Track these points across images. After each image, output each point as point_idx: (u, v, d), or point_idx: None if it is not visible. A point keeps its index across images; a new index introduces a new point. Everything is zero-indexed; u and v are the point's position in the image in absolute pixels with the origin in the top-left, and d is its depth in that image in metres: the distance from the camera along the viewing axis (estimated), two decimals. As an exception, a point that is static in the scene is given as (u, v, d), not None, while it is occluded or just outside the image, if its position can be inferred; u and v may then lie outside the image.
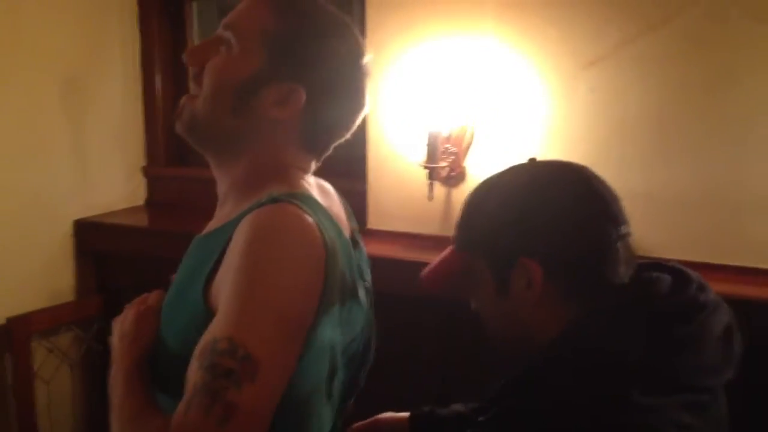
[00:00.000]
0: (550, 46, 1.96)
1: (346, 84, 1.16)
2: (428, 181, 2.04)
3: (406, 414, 1.50)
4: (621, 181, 1.85)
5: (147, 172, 2.73)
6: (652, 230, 1.87)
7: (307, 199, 1.11)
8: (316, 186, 1.25)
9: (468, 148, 2.06)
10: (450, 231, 1.91)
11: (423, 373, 2.07)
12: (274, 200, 1.06)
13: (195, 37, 2.73)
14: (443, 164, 2.04)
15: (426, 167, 2.02)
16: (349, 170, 2.22)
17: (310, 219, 1.04)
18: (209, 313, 1.02)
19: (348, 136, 1.22)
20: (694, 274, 1.16)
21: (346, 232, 1.21)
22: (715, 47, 1.80)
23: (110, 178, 2.61)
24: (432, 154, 2.01)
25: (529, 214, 1.12)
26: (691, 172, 1.85)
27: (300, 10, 1.14)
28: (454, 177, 2.08)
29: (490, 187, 1.21)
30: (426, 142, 2.01)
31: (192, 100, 1.16)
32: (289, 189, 1.12)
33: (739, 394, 1.17)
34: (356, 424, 1.48)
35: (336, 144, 1.22)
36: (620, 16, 1.87)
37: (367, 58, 1.19)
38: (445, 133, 2.04)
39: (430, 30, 2.08)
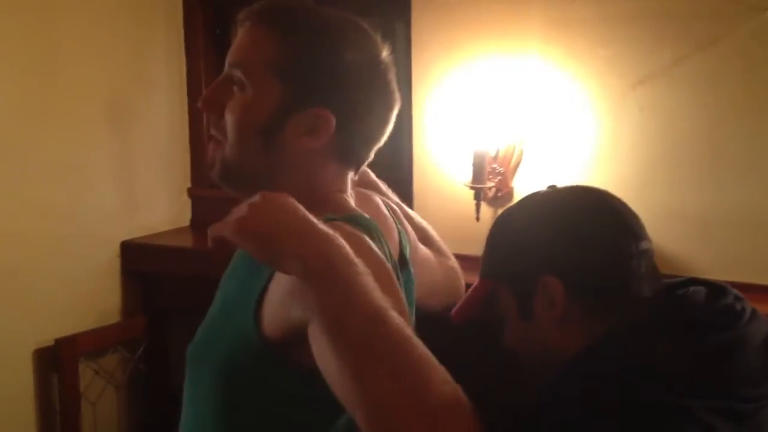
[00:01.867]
0: (598, 65, 1.94)
1: (373, 90, 1.09)
2: (475, 202, 2.01)
3: None
4: (671, 202, 1.86)
5: (192, 193, 2.74)
6: (702, 251, 1.86)
7: (362, 219, 1.08)
8: (360, 201, 1.21)
9: (516, 168, 2.05)
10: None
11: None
12: (330, 220, 1.01)
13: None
14: (490, 184, 2.02)
15: (472, 188, 2.00)
16: (395, 190, 2.20)
17: (368, 240, 1.01)
18: (261, 337, 1.00)
19: (386, 137, 1.15)
20: (729, 287, 1.14)
21: (395, 252, 1.18)
22: (766, 67, 1.76)
23: (156, 199, 2.63)
24: (478, 174, 1.99)
25: (547, 233, 1.14)
26: (742, 193, 1.82)
27: (304, 28, 1.07)
28: (502, 197, 2.06)
29: (509, 213, 1.25)
30: (472, 162, 1.99)
31: (219, 146, 1.10)
32: (345, 212, 1.08)
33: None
34: None
35: (376, 149, 1.16)
36: (670, 36, 1.86)
37: (386, 54, 1.12)
38: (492, 153, 2.02)
39: (476, 50, 2.07)
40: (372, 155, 1.16)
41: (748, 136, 1.80)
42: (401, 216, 1.34)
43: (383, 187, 1.45)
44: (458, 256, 2.09)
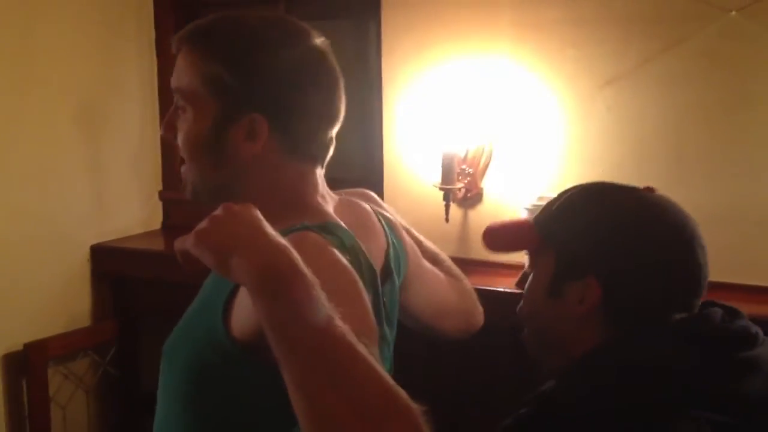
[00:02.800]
0: (567, 66, 1.95)
1: (303, 83, 1.11)
2: (444, 203, 2.02)
3: None
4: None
5: (163, 196, 2.73)
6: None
7: (335, 228, 1.09)
8: (343, 206, 1.22)
9: (485, 169, 2.05)
10: (467, 253, 1.91)
11: (440, 400, 2.04)
12: (305, 228, 1.04)
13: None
14: (459, 185, 2.03)
15: (442, 188, 2.00)
16: (365, 193, 2.21)
17: (332, 249, 1.01)
18: (229, 337, 1.01)
19: (338, 124, 1.16)
20: (742, 311, 1.14)
21: (379, 261, 1.19)
22: (733, 66, 1.79)
23: (127, 202, 2.62)
24: (447, 176, 1.99)
25: (618, 237, 1.10)
26: (709, 192, 1.83)
27: (224, 42, 1.11)
28: (471, 198, 2.06)
29: (599, 194, 1.18)
30: (441, 163, 2.00)
31: (185, 167, 1.16)
32: (319, 219, 1.09)
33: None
34: None
35: (331, 136, 1.17)
36: (637, 37, 1.87)
37: (317, 41, 1.14)
38: (461, 154, 2.02)
39: (446, 51, 2.08)
40: (329, 144, 1.17)
41: (715, 136, 1.81)
42: (399, 229, 1.34)
43: (390, 209, 1.44)
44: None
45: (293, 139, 1.12)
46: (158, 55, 2.67)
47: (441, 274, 1.45)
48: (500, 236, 1.25)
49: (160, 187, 2.73)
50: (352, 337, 0.83)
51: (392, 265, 1.24)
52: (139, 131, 2.64)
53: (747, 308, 1.67)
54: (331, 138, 1.17)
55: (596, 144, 1.93)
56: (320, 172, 1.18)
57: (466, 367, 2.00)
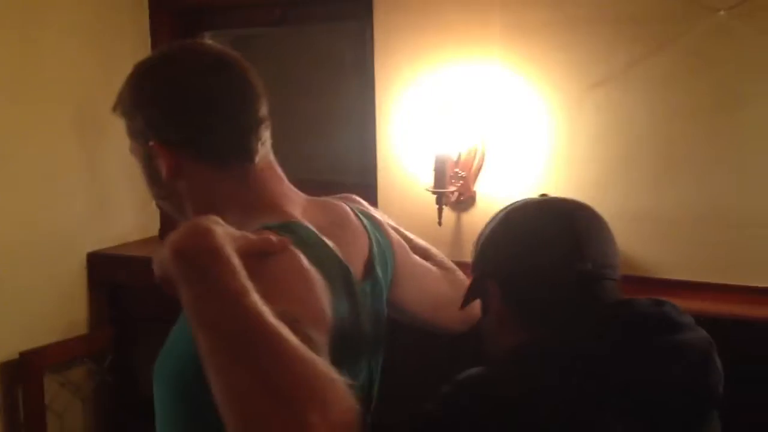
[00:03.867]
0: (556, 68, 1.95)
1: (181, 98, 1.18)
2: (437, 206, 2.03)
3: None
4: (628, 201, 1.89)
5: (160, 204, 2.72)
6: (659, 251, 1.88)
7: (296, 226, 1.11)
8: (315, 208, 1.24)
9: (477, 172, 2.06)
10: (460, 256, 1.92)
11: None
12: (265, 227, 1.07)
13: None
14: (452, 189, 2.03)
15: (434, 192, 2.01)
16: (360, 196, 2.21)
17: (301, 259, 1.04)
18: None
19: (251, 118, 1.18)
20: (668, 301, 1.17)
21: (358, 263, 1.21)
22: (722, 66, 1.79)
23: (123, 209, 2.62)
24: (440, 179, 2.00)
25: (502, 241, 1.24)
26: (698, 192, 1.84)
27: (125, 92, 1.25)
28: (464, 202, 2.07)
29: (493, 217, 1.31)
30: (434, 166, 2.00)
31: None
32: (281, 219, 1.12)
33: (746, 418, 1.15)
34: None
35: (254, 136, 1.18)
36: (626, 38, 1.87)
37: (213, 57, 1.20)
38: (454, 158, 2.03)
39: (437, 55, 2.09)
40: (260, 136, 1.19)
41: (704, 136, 1.81)
42: (385, 227, 1.37)
43: (375, 211, 1.47)
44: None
45: (195, 147, 1.18)
46: (152, 37, 2.66)
47: (433, 268, 1.49)
48: (463, 300, 1.34)
49: (156, 194, 2.72)
50: (270, 316, 0.84)
51: (376, 262, 1.26)
52: (134, 138, 2.63)
53: (736, 309, 1.70)
54: (249, 130, 1.19)
55: (586, 145, 1.94)
56: (272, 170, 1.22)
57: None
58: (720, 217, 1.81)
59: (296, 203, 1.21)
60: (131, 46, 2.60)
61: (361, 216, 1.31)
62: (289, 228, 1.09)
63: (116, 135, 2.50)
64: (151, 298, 2.49)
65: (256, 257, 0.96)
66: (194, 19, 2.70)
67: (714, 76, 1.80)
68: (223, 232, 0.94)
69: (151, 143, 1.17)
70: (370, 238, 1.28)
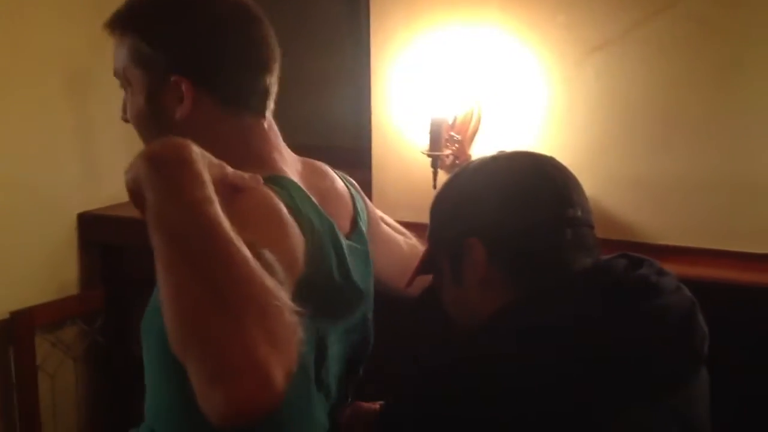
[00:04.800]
0: (556, 32, 1.93)
1: (217, 36, 1.15)
2: (432, 170, 2.01)
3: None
4: (625, 168, 1.88)
5: (150, 164, 2.70)
6: (656, 216, 1.88)
7: (280, 180, 1.12)
8: (299, 163, 1.26)
9: (473, 135, 2.04)
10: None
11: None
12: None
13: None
14: (447, 152, 2.02)
15: (429, 155, 2.00)
16: (354, 159, 2.20)
17: (274, 198, 1.05)
18: None
19: (271, 70, 1.20)
20: (653, 261, 1.16)
21: (345, 226, 1.23)
22: (724, 32, 1.77)
23: (115, 170, 2.58)
24: (435, 142, 1.98)
25: (476, 198, 1.18)
26: (696, 159, 1.83)
27: (137, 13, 1.19)
28: (459, 165, 2.05)
29: (451, 179, 1.28)
30: (429, 129, 1.99)
31: None
32: (268, 171, 1.13)
33: (742, 381, 1.16)
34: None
35: (266, 84, 1.20)
36: (626, 1, 1.85)
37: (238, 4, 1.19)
38: (449, 121, 2.02)
39: (435, 18, 2.06)
40: (264, 91, 1.21)
41: (703, 102, 1.80)
42: (362, 192, 1.42)
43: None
44: (415, 225, 2.09)
45: (222, 92, 1.17)
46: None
47: (400, 237, 1.54)
48: (412, 275, 1.33)
49: (148, 155, 2.70)
50: (228, 228, 0.85)
51: (359, 219, 1.31)
52: (126, 99, 2.60)
53: (735, 275, 1.71)
54: (268, 85, 1.21)
55: (584, 110, 1.92)
56: (271, 128, 1.23)
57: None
58: (717, 184, 1.81)
59: (288, 162, 1.22)
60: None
61: (342, 177, 1.36)
62: (276, 180, 1.10)
63: (108, 93, 2.47)
64: (142, 259, 2.46)
65: (229, 189, 0.98)
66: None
67: (715, 42, 1.79)
68: (201, 153, 0.95)
69: (173, 78, 1.14)
70: (352, 197, 1.33)
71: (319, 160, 1.38)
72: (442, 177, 2.05)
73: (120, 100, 2.50)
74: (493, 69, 2.01)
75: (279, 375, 0.77)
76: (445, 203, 1.25)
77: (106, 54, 2.44)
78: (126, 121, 1.24)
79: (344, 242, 1.18)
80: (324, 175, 1.31)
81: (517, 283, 1.14)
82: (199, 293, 0.80)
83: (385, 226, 1.51)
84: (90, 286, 2.51)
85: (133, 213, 2.49)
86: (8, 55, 2.20)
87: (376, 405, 1.42)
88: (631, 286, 1.09)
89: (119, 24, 1.20)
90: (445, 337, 1.20)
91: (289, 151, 1.26)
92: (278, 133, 1.25)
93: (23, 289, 2.31)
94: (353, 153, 2.28)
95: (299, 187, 1.14)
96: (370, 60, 2.17)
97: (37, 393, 2.32)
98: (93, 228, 2.48)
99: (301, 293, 1.01)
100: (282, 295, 0.84)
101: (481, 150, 2.04)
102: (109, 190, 2.55)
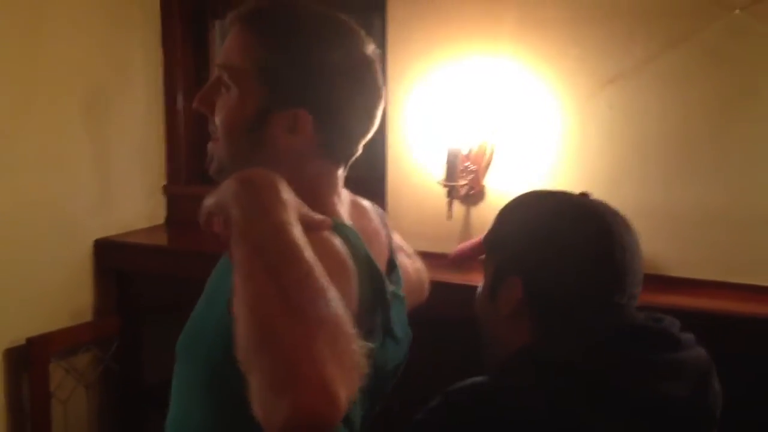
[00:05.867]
0: (569, 64, 1.95)
1: (353, 87, 1.12)
2: (447, 200, 2.02)
3: None
4: (640, 198, 1.88)
5: (167, 190, 2.73)
6: (669, 248, 1.87)
7: (343, 228, 1.10)
8: (349, 204, 1.24)
9: (488, 166, 2.05)
10: (469, 251, 1.89)
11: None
12: None
13: (218, 55, 2.74)
14: (462, 182, 2.03)
15: (445, 185, 2.01)
16: (369, 189, 2.20)
17: (340, 247, 1.05)
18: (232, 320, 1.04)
19: (373, 131, 1.19)
20: (670, 317, 1.16)
21: (383, 262, 1.21)
22: (736, 64, 1.78)
23: (131, 196, 2.62)
24: (451, 172, 2.00)
25: (534, 238, 1.19)
26: (710, 190, 1.83)
27: (283, 30, 1.11)
28: (474, 195, 2.06)
29: (528, 201, 1.27)
30: (445, 159, 2.00)
31: (215, 143, 1.17)
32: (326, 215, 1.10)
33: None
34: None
35: (363, 143, 1.19)
36: (641, 34, 1.86)
37: (370, 49, 1.15)
38: (464, 151, 2.03)
39: (451, 50, 2.08)
40: (359, 149, 1.20)
41: (717, 135, 1.81)
42: (389, 224, 1.38)
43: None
44: (430, 254, 2.09)
45: (331, 140, 1.14)
46: (164, 49, 2.66)
47: (408, 261, 1.52)
48: (460, 254, 1.41)
49: (165, 182, 2.73)
50: (310, 251, 0.88)
51: (395, 261, 1.28)
52: (144, 124, 2.64)
53: (746, 308, 1.69)
54: (362, 147, 1.19)
55: (598, 142, 1.93)
56: (341, 173, 1.20)
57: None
58: (731, 216, 1.81)
59: (344, 203, 1.21)
60: (140, 30, 2.60)
61: (374, 208, 1.33)
62: (340, 229, 1.09)
63: (125, 120, 2.54)
64: (157, 286, 2.51)
65: (303, 226, 0.98)
66: (204, 8, 2.70)
67: (728, 74, 1.79)
68: (287, 187, 0.98)
69: (299, 110, 1.09)
70: (387, 234, 1.30)
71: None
72: (458, 207, 2.06)
73: (137, 127, 2.57)
74: (507, 100, 2.02)
75: (343, 395, 0.78)
76: (508, 226, 1.25)
77: (124, 80, 2.52)
78: (201, 110, 1.17)
79: (388, 289, 1.16)
80: (366, 214, 1.29)
81: (541, 328, 1.16)
82: (277, 304, 0.82)
83: (401, 256, 1.48)
84: (105, 312, 2.52)
85: (149, 240, 2.53)
86: (27, 79, 2.23)
87: None
88: (653, 336, 1.09)
89: (260, 28, 1.11)
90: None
91: (344, 190, 1.24)
92: (342, 177, 1.23)
93: (39, 315, 2.31)
94: (367, 182, 2.29)
95: (358, 236, 1.12)
96: (386, 88, 2.18)
97: (50, 420, 2.32)
98: (109, 254, 2.49)
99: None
100: (350, 322, 0.86)
101: (495, 180, 2.05)
102: (125, 217, 2.58)
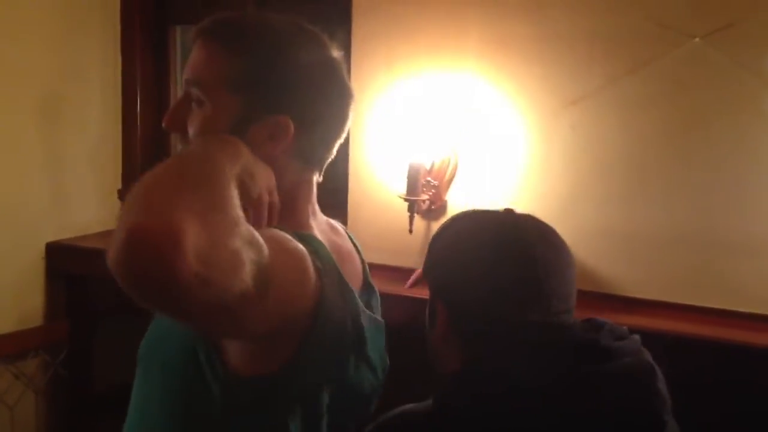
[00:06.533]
0: (532, 83, 1.97)
1: (327, 91, 1.11)
2: (408, 214, 2.02)
3: None
4: (599, 218, 1.91)
5: (122, 195, 2.69)
6: (628, 269, 1.90)
7: (311, 239, 1.09)
8: (325, 223, 1.24)
9: (450, 181, 2.06)
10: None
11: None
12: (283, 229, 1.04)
13: (178, 60, 2.71)
14: (424, 197, 2.03)
15: (406, 200, 2.01)
16: (329, 201, 2.20)
17: (299, 245, 1.02)
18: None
19: (345, 133, 1.18)
20: (610, 323, 1.16)
21: (357, 284, 1.20)
22: (695, 90, 1.82)
23: (85, 200, 2.57)
24: (412, 187, 2.00)
25: (451, 261, 1.20)
26: (669, 212, 1.86)
27: (251, 39, 1.08)
28: (435, 210, 2.07)
29: (451, 225, 1.27)
30: (407, 174, 2.00)
31: None
32: (294, 229, 1.08)
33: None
34: None
35: (337, 146, 1.18)
36: (601, 57, 1.89)
37: (336, 52, 1.15)
38: (427, 166, 2.03)
39: (414, 65, 2.09)
40: (334, 153, 1.19)
41: (676, 157, 1.84)
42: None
43: None
44: (390, 268, 2.10)
45: (310, 145, 1.12)
46: (123, 53, 2.63)
47: None
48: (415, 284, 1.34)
49: (120, 186, 2.69)
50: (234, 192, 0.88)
51: (369, 280, 1.27)
52: (99, 128, 2.60)
53: (704, 330, 1.72)
54: (336, 147, 1.18)
55: (559, 161, 1.95)
56: (317, 179, 1.19)
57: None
58: (687, 238, 1.84)
59: (318, 218, 1.20)
60: (99, 33, 2.57)
61: (350, 235, 1.32)
62: (306, 239, 1.07)
63: (80, 123, 2.51)
64: (109, 291, 2.44)
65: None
66: (164, 13, 2.67)
67: (686, 100, 1.83)
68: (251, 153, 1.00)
69: (279, 117, 1.07)
70: (359, 255, 1.29)
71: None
72: (419, 221, 2.07)
73: (92, 131, 2.52)
74: (470, 116, 2.04)
75: (189, 244, 0.76)
76: (435, 254, 1.25)
77: (80, 82, 2.48)
78: (172, 130, 1.13)
79: (363, 311, 1.14)
80: (339, 233, 1.27)
81: (470, 349, 1.16)
82: (170, 178, 0.84)
83: None
84: (55, 317, 2.48)
85: (101, 245, 2.49)
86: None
87: None
88: (584, 349, 1.08)
89: (228, 38, 1.08)
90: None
91: (316, 206, 1.22)
92: (315, 190, 1.21)
93: (-14, 318, 2.26)
94: (328, 194, 2.28)
95: (328, 252, 1.10)
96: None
97: (-4, 425, 2.28)
98: (61, 258, 2.45)
99: (306, 352, 1.02)
100: (247, 230, 0.85)
101: (457, 196, 2.06)
102: (78, 221, 2.54)
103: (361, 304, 1.14)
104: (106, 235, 2.60)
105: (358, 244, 1.31)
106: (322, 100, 1.11)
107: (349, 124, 1.17)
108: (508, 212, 1.25)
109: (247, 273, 0.83)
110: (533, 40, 1.96)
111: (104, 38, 2.58)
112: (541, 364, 1.06)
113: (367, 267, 1.29)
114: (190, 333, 1.04)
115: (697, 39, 1.79)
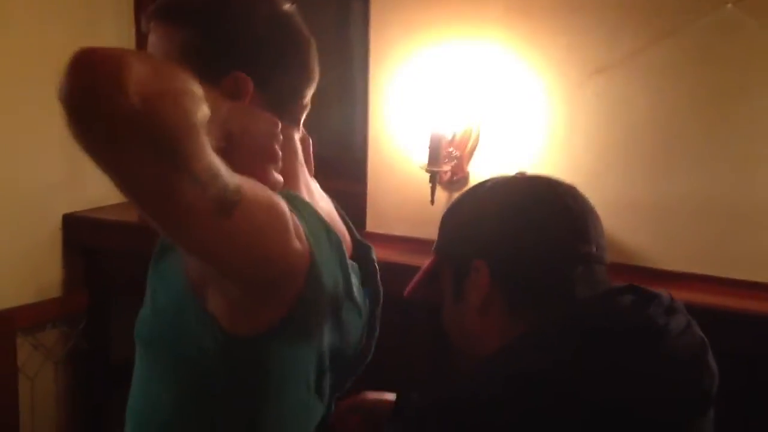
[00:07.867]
0: (557, 53, 1.93)
1: (278, 38, 1.11)
2: (430, 185, 2.00)
3: (392, 395, 1.42)
4: (624, 190, 1.87)
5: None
6: (654, 241, 1.87)
7: (294, 199, 1.07)
8: (318, 190, 1.23)
9: (472, 152, 2.03)
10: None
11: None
12: None
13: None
14: (446, 168, 2.00)
15: (428, 170, 1.98)
16: (349, 172, 2.18)
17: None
18: (187, 281, 1.04)
19: (315, 82, 1.17)
20: (664, 296, 1.10)
21: (344, 236, 1.19)
22: (725, 60, 1.78)
23: (100, 172, 2.55)
24: (434, 158, 1.97)
25: (488, 219, 1.14)
26: (695, 183, 1.82)
27: (191, 10, 1.10)
28: (457, 181, 2.04)
29: (465, 194, 1.25)
30: (428, 144, 1.97)
31: None
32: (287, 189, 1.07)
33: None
34: (341, 403, 1.38)
35: (309, 96, 1.17)
36: (630, 26, 1.85)
37: (285, 4, 1.14)
38: (448, 137, 2.00)
39: (436, 34, 2.05)
40: (307, 104, 1.17)
41: (703, 128, 1.81)
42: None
43: None
44: (411, 239, 2.08)
45: (277, 97, 1.11)
46: (137, 30, 2.59)
47: None
48: (415, 287, 1.28)
49: (136, 157, 2.67)
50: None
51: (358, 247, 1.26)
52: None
53: (730, 302, 1.69)
54: (308, 97, 1.17)
55: (584, 131, 1.92)
56: (305, 140, 1.19)
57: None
58: (715, 209, 1.81)
59: (309, 181, 1.19)
60: (113, 13, 2.55)
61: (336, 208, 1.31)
62: (288, 195, 1.05)
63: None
64: (126, 262, 2.45)
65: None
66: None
67: (717, 69, 1.79)
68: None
69: (234, 73, 1.06)
70: (347, 225, 1.27)
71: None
72: (440, 193, 2.04)
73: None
74: (493, 86, 2.00)
75: (134, 72, 0.78)
76: (457, 219, 1.22)
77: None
78: None
79: (348, 262, 1.14)
80: (328, 200, 1.26)
81: (515, 314, 1.10)
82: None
83: None
84: (73, 289, 2.48)
85: (118, 217, 2.48)
86: (-2, 49, 2.17)
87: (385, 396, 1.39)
88: (635, 330, 1.04)
89: (170, 14, 1.11)
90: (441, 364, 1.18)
91: (304, 166, 1.20)
92: (308, 147, 1.21)
93: (4, 290, 2.27)
94: (347, 165, 2.26)
95: (312, 206, 1.10)
96: (368, 72, 2.15)
97: (17, 395, 2.29)
98: (77, 230, 2.45)
99: (303, 311, 1.01)
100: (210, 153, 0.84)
101: (479, 167, 2.04)
102: (95, 193, 2.51)
103: (344, 247, 1.12)
104: (122, 207, 2.59)
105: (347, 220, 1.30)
106: (278, 50, 1.11)
107: (316, 72, 1.16)
108: (520, 173, 1.23)
109: (207, 157, 0.83)
110: (559, 9, 1.92)
111: (119, 11, 2.56)
112: (588, 351, 1.01)
113: (356, 234, 1.28)
114: (183, 301, 1.04)
115: (729, 5, 1.74)
